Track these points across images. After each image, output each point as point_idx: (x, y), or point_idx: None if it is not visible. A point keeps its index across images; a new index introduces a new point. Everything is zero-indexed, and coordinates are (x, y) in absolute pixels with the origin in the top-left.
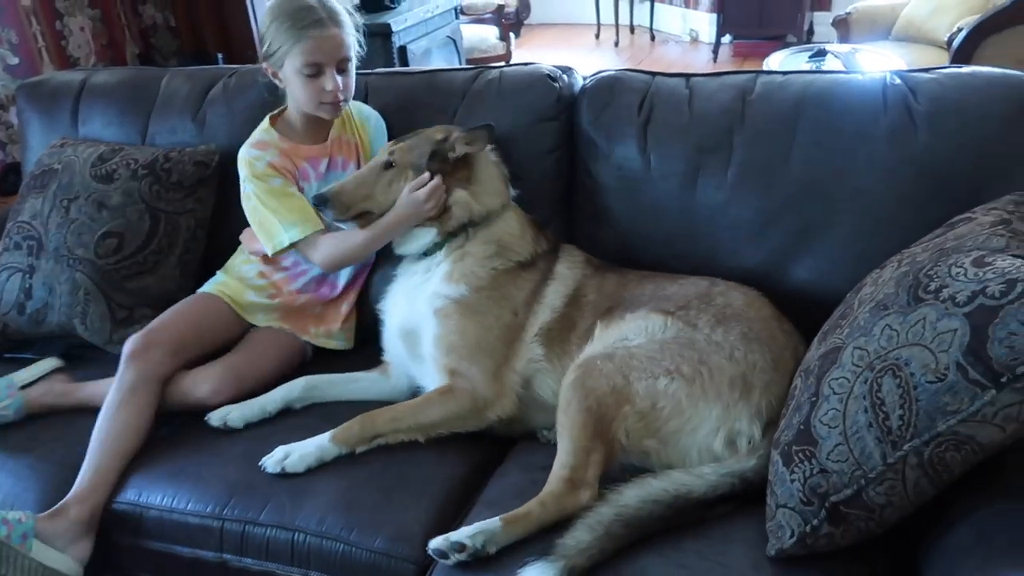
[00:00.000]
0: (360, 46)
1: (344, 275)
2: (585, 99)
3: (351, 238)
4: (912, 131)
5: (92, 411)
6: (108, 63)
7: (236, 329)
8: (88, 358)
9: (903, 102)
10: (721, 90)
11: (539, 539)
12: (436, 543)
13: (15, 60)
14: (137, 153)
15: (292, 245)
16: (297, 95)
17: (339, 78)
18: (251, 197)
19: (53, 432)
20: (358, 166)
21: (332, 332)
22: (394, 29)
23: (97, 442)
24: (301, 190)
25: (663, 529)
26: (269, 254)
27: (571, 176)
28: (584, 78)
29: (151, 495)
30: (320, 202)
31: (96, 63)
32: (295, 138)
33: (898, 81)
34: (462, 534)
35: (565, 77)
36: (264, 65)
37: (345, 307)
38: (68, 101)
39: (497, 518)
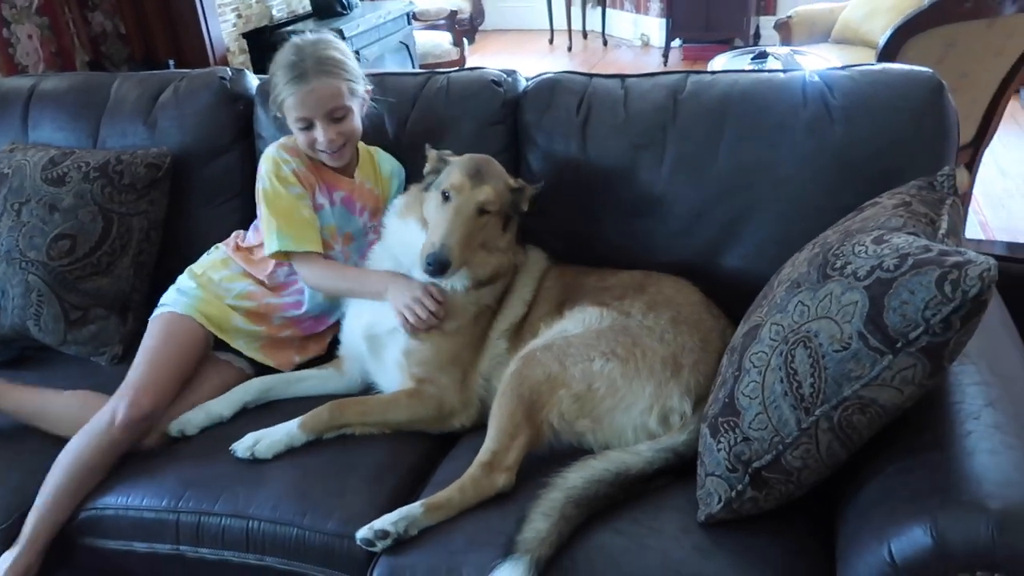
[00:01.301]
0: (364, 90)
1: (336, 314)
2: (527, 101)
3: (345, 277)
4: (829, 123)
5: (14, 420)
6: (58, 71)
7: (202, 357)
8: (43, 359)
9: (820, 97)
10: (654, 90)
11: (496, 536)
12: (362, 533)
13: None
14: (89, 156)
15: (286, 255)
16: (298, 142)
17: (333, 127)
18: (267, 194)
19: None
20: (372, 218)
21: (318, 354)
22: (347, 34)
23: (61, 483)
24: (317, 207)
25: (608, 505)
26: (265, 253)
27: (517, 176)
28: (526, 80)
29: (107, 496)
30: (439, 261)
31: (45, 71)
32: (321, 164)
33: (816, 78)
34: (385, 521)
35: (509, 80)
36: (277, 114)
37: (330, 335)
38: (17, 106)
39: (419, 503)
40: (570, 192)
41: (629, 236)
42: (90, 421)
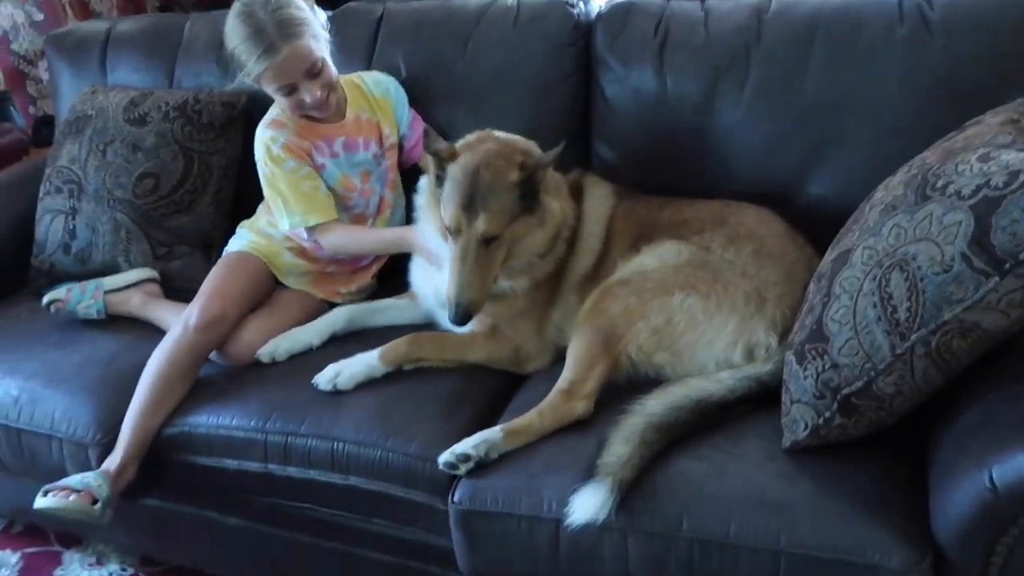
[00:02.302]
0: (323, 29)
1: None
2: (601, 24)
3: (362, 240)
4: (927, 39)
5: (159, 331)
6: (130, 15)
7: (269, 288)
8: None
9: (918, 11)
10: (737, 10)
11: (576, 460)
12: (444, 457)
13: (40, 16)
14: (167, 96)
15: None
16: (283, 107)
17: (315, 83)
18: (267, 178)
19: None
20: (379, 145)
21: (362, 287)
22: None
23: (149, 393)
24: (319, 167)
25: (688, 433)
26: (281, 231)
27: (587, 102)
28: (600, 4)
29: (198, 415)
30: (460, 317)
31: (117, 16)
32: (310, 115)
33: None
34: (466, 445)
35: (582, 4)
36: (249, 82)
37: (375, 267)
38: (95, 50)
39: (498, 428)
40: (645, 118)
41: (708, 163)
42: (168, 333)
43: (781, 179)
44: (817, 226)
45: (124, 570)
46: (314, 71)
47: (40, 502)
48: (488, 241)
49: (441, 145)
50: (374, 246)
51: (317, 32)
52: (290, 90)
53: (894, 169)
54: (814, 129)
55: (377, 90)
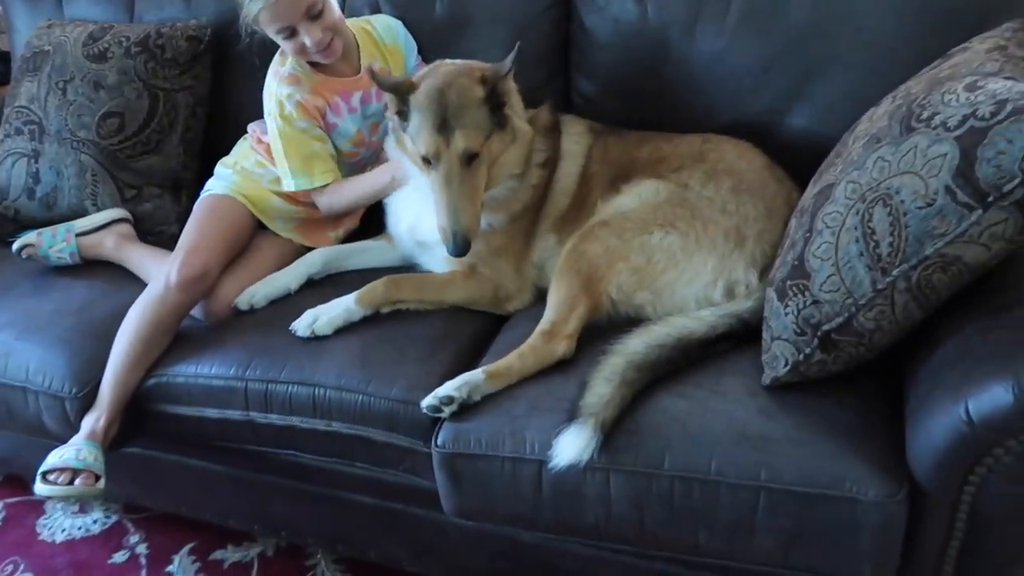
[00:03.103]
0: None
1: None
2: None
3: (351, 194)
4: None
5: (134, 277)
6: None
7: (250, 236)
8: None
9: None
10: None
11: (559, 402)
12: (427, 401)
13: None
14: (128, 30)
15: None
16: (286, 51)
17: (316, 25)
18: (276, 133)
19: (91, 293)
20: None
21: (350, 230)
22: None
23: (128, 349)
24: (331, 127)
25: (670, 371)
26: (283, 190)
27: (568, 34)
28: None
29: (178, 365)
30: (459, 247)
31: None
32: (326, 69)
33: None
34: (448, 387)
35: None
36: (254, 27)
37: (361, 210)
38: None
39: (480, 370)
40: (625, 48)
41: (690, 95)
42: (147, 289)
43: (764, 110)
44: (799, 159)
45: (108, 517)
46: (313, 12)
47: (42, 489)
48: (469, 159)
49: (397, 79)
50: (363, 196)
51: None
52: (290, 33)
53: (876, 98)
54: (799, 58)
55: (388, 37)
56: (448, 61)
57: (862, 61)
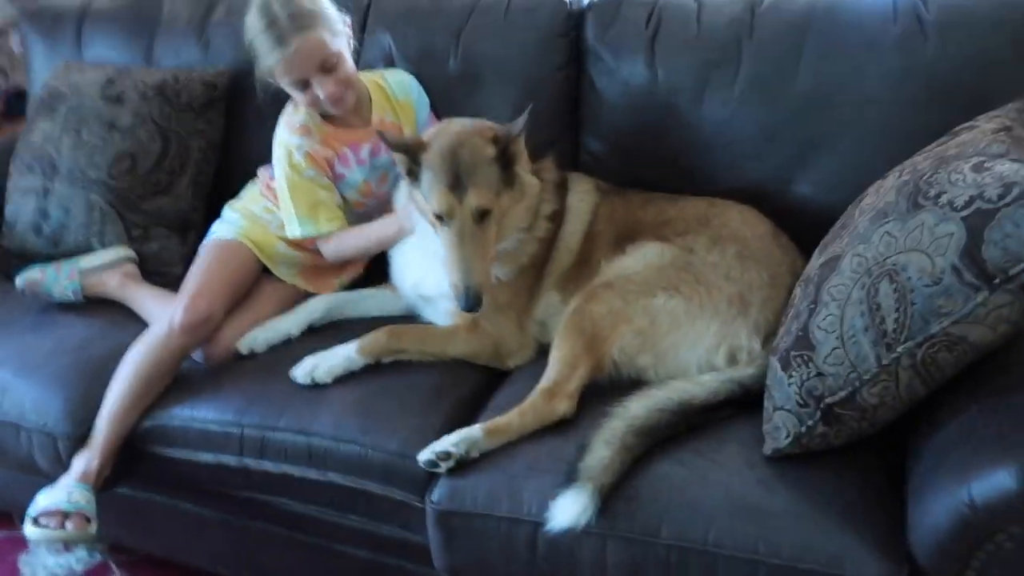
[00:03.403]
0: (345, 25)
1: None
2: (592, 14)
3: (355, 243)
4: (921, 40)
5: (134, 316)
6: None
7: (254, 281)
8: None
9: (913, 10)
10: (729, 3)
11: (557, 463)
12: (424, 455)
13: None
14: (145, 75)
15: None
16: (301, 104)
17: (329, 79)
18: (282, 179)
19: (90, 332)
20: None
21: (354, 276)
22: None
23: (126, 390)
24: (338, 177)
25: (670, 436)
26: (288, 237)
27: (578, 93)
28: None
29: (174, 407)
30: (471, 304)
31: None
32: (337, 120)
33: None
34: (446, 442)
35: None
36: (268, 79)
37: (365, 258)
38: (71, 25)
39: (479, 426)
40: (634, 111)
41: (696, 159)
42: (148, 330)
43: (768, 177)
44: (803, 226)
45: (92, 556)
46: (327, 66)
47: (33, 532)
48: (481, 217)
49: (407, 139)
50: (369, 245)
51: (334, 27)
52: (304, 85)
53: (882, 170)
54: (804, 126)
55: (400, 92)
56: (458, 120)
57: (866, 132)
